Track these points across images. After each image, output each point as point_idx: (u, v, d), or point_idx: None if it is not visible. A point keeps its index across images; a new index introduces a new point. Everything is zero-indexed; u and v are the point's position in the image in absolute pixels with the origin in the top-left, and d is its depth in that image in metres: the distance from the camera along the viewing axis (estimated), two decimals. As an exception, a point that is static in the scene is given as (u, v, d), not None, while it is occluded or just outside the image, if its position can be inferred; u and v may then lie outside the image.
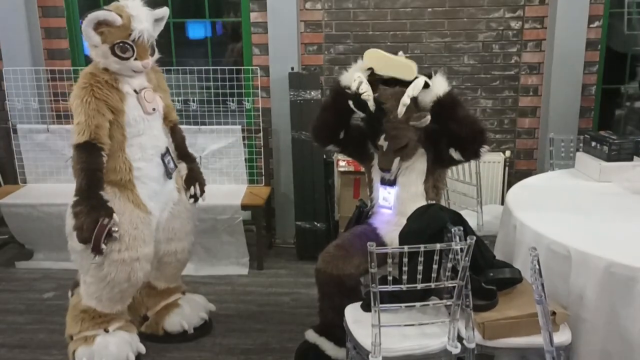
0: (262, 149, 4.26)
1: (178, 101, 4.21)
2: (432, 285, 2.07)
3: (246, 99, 4.24)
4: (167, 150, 2.97)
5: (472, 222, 3.35)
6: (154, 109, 2.84)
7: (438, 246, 2.00)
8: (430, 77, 2.56)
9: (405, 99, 2.50)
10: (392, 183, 2.77)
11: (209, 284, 3.78)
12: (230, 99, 4.19)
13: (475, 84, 4.30)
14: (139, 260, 2.77)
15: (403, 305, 2.11)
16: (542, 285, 1.85)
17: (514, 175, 4.34)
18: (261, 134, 4.25)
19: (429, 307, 2.26)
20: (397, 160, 2.65)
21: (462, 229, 2.12)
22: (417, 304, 2.12)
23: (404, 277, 2.05)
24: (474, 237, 1.99)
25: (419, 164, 2.73)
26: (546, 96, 4.19)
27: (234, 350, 3.03)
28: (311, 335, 2.84)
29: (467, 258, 2.01)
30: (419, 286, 2.05)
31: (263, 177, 4.31)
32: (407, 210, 2.61)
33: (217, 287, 3.76)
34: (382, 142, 2.61)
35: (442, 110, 2.53)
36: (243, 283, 3.82)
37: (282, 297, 3.62)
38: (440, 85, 2.54)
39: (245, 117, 4.32)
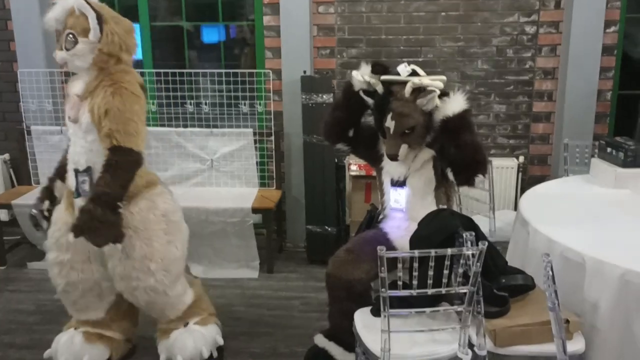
0: (273, 152, 4.25)
1: (190, 104, 4.23)
2: (443, 290, 2.04)
3: (258, 102, 4.23)
4: (88, 169, 2.57)
5: (485, 227, 3.30)
6: (69, 117, 2.60)
7: (449, 251, 1.97)
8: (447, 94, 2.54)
9: (415, 80, 2.48)
10: (402, 184, 2.75)
11: (218, 287, 3.77)
12: (243, 102, 4.19)
13: (489, 89, 4.26)
14: (57, 265, 2.70)
15: (413, 310, 2.08)
16: (556, 292, 1.82)
17: (527, 181, 4.29)
18: (272, 137, 4.24)
19: (439, 313, 2.23)
20: (404, 147, 2.59)
21: (473, 234, 2.09)
22: (428, 310, 2.09)
23: (415, 282, 2.02)
24: (486, 243, 1.96)
25: (427, 169, 2.70)
26: (560, 101, 4.14)
27: (242, 354, 3.01)
28: (320, 340, 2.82)
29: (478, 264, 1.98)
30: (430, 291, 2.02)
31: (274, 181, 4.30)
32: (418, 215, 2.58)
33: (226, 290, 3.75)
34: (389, 122, 2.56)
35: (448, 129, 2.50)
36: (253, 286, 3.81)
37: (292, 301, 3.60)
38: (455, 104, 2.49)
39: (257, 120, 4.31)
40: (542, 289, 2.39)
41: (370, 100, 2.66)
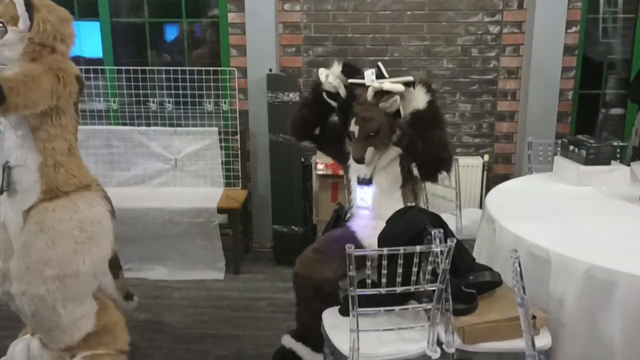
0: (239, 152, 4.19)
1: (153, 102, 4.13)
2: (412, 288, 2.02)
3: (223, 100, 4.17)
4: (17, 165, 2.43)
5: (452, 225, 3.29)
6: None
7: (418, 248, 1.95)
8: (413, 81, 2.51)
9: (376, 84, 2.46)
10: (368, 182, 2.73)
11: (183, 289, 3.70)
12: (207, 100, 4.12)
13: (454, 88, 4.29)
14: None
15: (382, 309, 2.06)
16: (524, 288, 1.82)
17: (492, 179, 4.33)
18: (238, 136, 4.18)
19: (407, 312, 2.22)
20: (370, 149, 2.57)
21: (442, 231, 2.08)
22: (396, 308, 2.07)
23: (383, 280, 2.00)
24: (455, 240, 1.96)
25: (393, 167, 2.68)
26: (524, 101, 4.20)
27: (208, 357, 2.95)
28: (288, 341, 2.78)
29: (447, 261, 1.97)
30: (399, 289, 2.01)
31: (240, 180, 4.24)
32: (384, 213, 2.56)
33: (191, 292, 3.67)
34: (353, 127, 2.55)
35: (417, 124, 2.48)
36: (218, 288, 3.74)
37: (259, 302, 3.55)
38: (421, 96, 2.47)
39: (222, 119, 4.24)
40: (509, 285, 2.41)
41: (333, 103, 2.64)
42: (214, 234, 3.86)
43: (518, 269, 1.82)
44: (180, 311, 3.41)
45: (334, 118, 2.77)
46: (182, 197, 3.98)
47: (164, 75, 4.14)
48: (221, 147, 4.15)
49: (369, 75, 2.52)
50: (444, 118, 2.56)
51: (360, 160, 2.60)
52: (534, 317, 2.16)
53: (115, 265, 2.73)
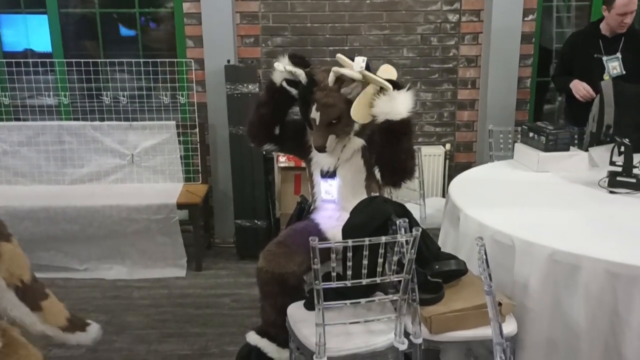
0: (198, 145, 4.09)
1: (107, 96, 3.99)
2: (378, 280, 1.98)
3: (180, 93, 4.05)
4: None
5: (415, 214, 3.29)
6: None
7: (383, 239, 1.91)
8: (398, 86, 2.40)
9: (336, 69, 2.41)
10: (332, 175, 2.68)
11: (143, 288, 3.59)
12: (164, 93, 3.99)
13: (415, 77, 4.28)
14: None
15: (348, 302, 2.02)
16: (490, 275, 1.80)
17: (454, 167, 4.35)
18: (197, 130, 4.07)
19: (374, 304, 2.18)
20: (331, 137, 2.53)
21: (407, 220, 2.05)
22: (362, 300, 2.03)
23: (349, 272, 1.96)
24: (420, 229, 1.92)
25: (356, 158, 2.64)
26: (484, 89, 4.22)
27: (171, 357, 2.86)
28: (252, 338, 2.71)
29: (412, 250, 1.94)
30: (364, 281, 1.97)
31: (200, 175, 4.13)
32: (350, 205, 2.51)
33: (152, 290, 3.56)
34: (314, 113, 2.50)
35: (389, 131, 2.40)
36: (180, 285, 3.64)
37: (222, 298, 3.46)
38: (402, 106, 2.36)
39: (179, 112, 4.12)
40: (474, 273, 2.41)
41: (294, 91, 2.58)
42: (174, 231, 3.75)
43: (484, 256, 1.80)
44: (140, 311, 3.30)
45: (292, 115, 2.72)
46: (140, 194, 3.85)
47: (117, 68, 3.99)
48: (179, 141, 4.04)
49: (359, 61, 2.45)
50: (414, 127, 2.51)
51: (321, 149, 2.55)
52: (499, 304, 2.15)
53: (31, 296, 2.22)
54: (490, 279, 1.74)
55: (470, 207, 2.61)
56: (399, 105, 2.34)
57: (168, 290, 3.57)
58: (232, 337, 2.99)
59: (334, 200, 2.72)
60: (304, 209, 2.86)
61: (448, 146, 4.34)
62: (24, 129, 3.97)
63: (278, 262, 2.52)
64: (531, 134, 3.31)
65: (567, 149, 3.22)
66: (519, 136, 3.51)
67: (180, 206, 3.75)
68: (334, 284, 1.95)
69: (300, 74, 2.52)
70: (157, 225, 3.72)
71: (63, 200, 3.70)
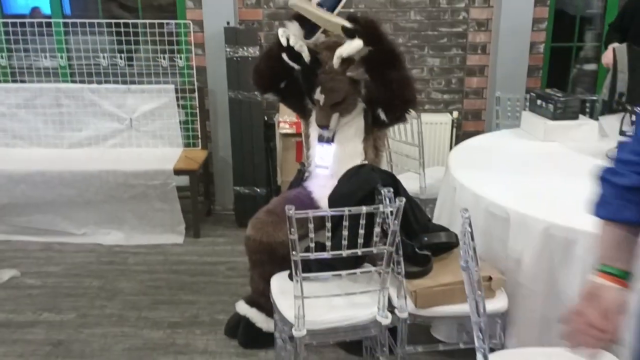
0: (197, 110, 4.00)
1: (104, 58, 3.90)
2: (359, 252, 1.90)
3: (179, 56, 3.95)
4: None
5: (415, 185, 3.21)
6: None
7: (364, 209, 1.82)
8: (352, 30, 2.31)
9: (340, 51, 2.31)
10: (329, 140, 2.59)
11: (139, 254, 3.55)
12: (162, 56, 3.89)
13: (422, 42, 4.11)
14: None
15: (329, 274, 1.94)
16: (474, 250, 1.70)
17: (461, 136, 4.20)
18: (196, 94, 3.98)
19: (361, 276, 2.10)
20: (335, 116, 2.48)
21: (392, 190, 1.95)
22: (343, 273, 1.96)
23: (328, 243, 1.87)
24: (403, 199, 1.83)
25: (357, 121, 2.55)
26: (494, 54, 4.04)
27: (160, 324, 2.83)
28: (242, 307, 2.67)
29: (396, 222, 1.85)
30: (344, 253, 1.88)
31: (199, 140, 4.06)
32: (343, 171, 2.43)
33: (147, 256, 3.53)
34: (318, 95, 2.44)
35: (370, 68, 2.34)
36: (177, 252, 3.60)
37: (218, 266, 3.42)
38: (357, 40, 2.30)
39: (178, 75, 4.02)
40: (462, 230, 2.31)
41: (296, 66, 2.48)
42: (171, 197, 3.70)
43: (468, 229, 1.69)
44: (134, 277, 3.27)
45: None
46: (138, 159, 3.79)
47: (114, 29, 3.89)
48: (179, 105, 3.95)
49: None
50: (401, 54, 2.37)
51: (324, 127, 2.50)
52: (490, 278, 2.07)
53: None
54: (474, 254, 1.64)
55: (466, 178, 2.50)
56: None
57: (164, 256, 3.53)
58: (223, 306, 2.95)
59: (327, 166, 2.63)
60: (305, 176, 2.78)
61: (455, 114, 4.18)
62: (22, 91, 3.91)
63: (266, 231, 2.46)
64: (539, 102, 3.16)
65: (576, 118, 3.07)
66: (527, 104, 3.36)
67: (178, 172, 3.68)
68: (312, 255, 1.88)
69: (304, 51, 2.41)
70: (155, 192, 3.67)
71: (59, 165, 3.66)
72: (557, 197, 2.28)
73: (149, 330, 2.78)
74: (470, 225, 1.72)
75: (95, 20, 3.90)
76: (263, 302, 2.55)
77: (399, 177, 2.95)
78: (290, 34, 2.41)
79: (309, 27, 2.49)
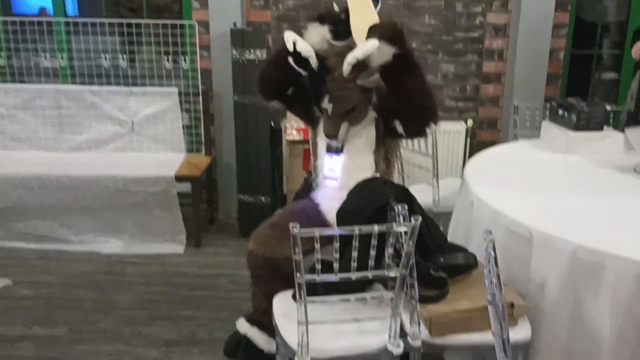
0: (201, 114, 3.85)
1: (106, 59, 3.77)
2: (369, 275, 1.74)
3: (183, 57, 3.80)
4: None
5: (428, 197, 3.04)
6: None
7: (376, 228, 1.66)
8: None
9: (351, 58, 2.15)
10: (338, 151, 2.43)
11: (137, 264, 3.41)
12: (165, 57, 3.75)
13: (436, 47, 3.95)
14: None
15: (336, 298, 1.78)
16: (498, 277, 1.53)
17: (476, 146, 4.04)
18: (200, 98, 3.83)
19: (371, 299, 1.94)
20: (344, 125, 2.31)
21: (406, 207, 1.78)
22: (352, 297, 1.79)
23: (335, 265, 1.71)
24: (419, 217, 1.66)
25: (368, 130, 2.38)
26: (512, 61, 3.87)
27: (156, 342, 2.67)
28: (242, 326, 2.51)
29: (411, 242, 1.68)
30: (354, 276, 1.72)
31: (203, 146, 3.91)
32: (353, 183, 2.27)
33: (146, 267, 3.38)
34: (327, 104, 2.29)
35: (388, 78, 2.19)
36: (177, 263, 3.45)
37: (219, 279, 3.26)
38: (384, 48, 2.15)
39: (182, 78, 3.88)
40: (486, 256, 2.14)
41: (303, 72, 2.33)
42: (172, 204, 3.55)
43: (492, 254, 1.53)
44: (131, 289, 3.12)
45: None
46: (139, 164, 3.65)
47: (116, 29, 3.75)
48: (182, 109, 3.81)
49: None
50: (420, 64, 2.24)
51: (333, 137, 2.33)
52: (512, 305, 1.90)
53: None
54: (499, 283, 1.47)
55: (484, 192, 2.33)
56: (382, 47, 2.12)
57: (163, 267, 3.38)
58: (223, 323, 2.79)
59: (336, 178, 2.47)
60: (312, 186, 2.63)
61: (470, 122, 4.02)
62: (21, 91, 3.78)
63: (270, 246, 2.31)
64: (560, 111, 2.98)
65: (601, 129, 2.89)
66: (548, 113, 3.18)
67: (179, 179, 3.54)
68: (318, 278, 1.71)
69: (311, 56, 2.26)
70: (155, 199, 3.53)
71: (57, 169, 3.52)
72: (585, 216, 2.11)
73: (143, 349, 2.62)
74: (494, 249, 1.55)
75: (97, 20, 3.77)
76: (265, 321, 2.39)
77: (411, 189, 2.80)
78: (297, 38, 2.26)
79: (342, 28, 2.34)
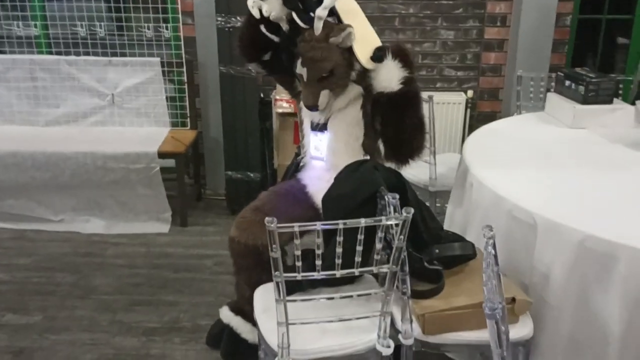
0: (185, 86, 3.64)
1: (82, 27, 3.53)
2: (356, 272, 1.57)
3: (164, 25, 3.56)
4: None
5: (424, 175, 2.86)
6: None
7: (363, 222, 1.48)
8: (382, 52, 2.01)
9: (321, 12, 1.94)
10: (323, 128, 2.24)
11: (119, 245, 3.25)
12: (146, 25, 3.52)
13: (434, 12, 3.71)
14: None
15: (320, 297, 1.62)
16: (499, 277, 1.36)
17: (476, 117, 3.84)
18: (184, 68, 3.61)
19: (358, 292, 1.78)
20: (324, 93, 2.09)
21: (397, 197, 1.60)
22: (336, 296, 1.63)
23: (318, 262, 1.54)
24: (411, 210, 1.48)
25: (354, 108, 2.18)
26: (515, 26, 3.63)
27: (136, 330, 2.52)
28: (226, 314, 2.36)
29: (402, 237, 1.51)
30: (338, 273, 1.55)
31: (188, 119, 3.71)
32: (342, 163, 2.08)
33: (128, 248, 3.22)
34: (300, 69, 2.07)
35: (386, 106, 2.03)
36: (161, 243, 3.29)
37: (204, 260, 3.11)
38: (395, 70, 1.99)
39: (164, 47, 3.64)
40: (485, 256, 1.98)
41: (275, 38, 2.12)
42: (156, 182, 3.37)
43: (492, 252, 1.36)
44: (111, 272, 2.97)
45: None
46: (120, 139, 3.46)
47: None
48: (165, 80, 3.59)
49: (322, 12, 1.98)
50: (421, 97, 2.08)
51: (312, 108, 2.13)
52: (513, 300, 1.74)
53: None
54: (499, 287, 1.30)
55: (485, 172, 2.15)
56: (390, 72, 1.97)
57: (146, 248, 3.22)
58: (207, 309, 2.65)
59: (323, 158, 2.29)
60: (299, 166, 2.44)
61: (470, 93, 3.81)
62: (-7, 62, 3.57)
63: (252, 232, 2.14)
64: (567, 82, 2.78)
65: (610, 101, 2.69)
66: (553, 84, 2.98)
67: (162, 155, 3.35)
68: (299, 276, 1.55)
69: (281, 19, 2.04)
70: (137, 176, 3.34)
71: (32, 145, 3.33)
72: (594, 200, 1.93)
73: (121, 338, 2.47)
74: (494, 247, 1.38)
75: (72, -16, 3.52)
76: (249, 310, 2.22)
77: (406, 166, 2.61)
78: (262, 3, 2.04)
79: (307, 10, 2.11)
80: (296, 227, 1.45)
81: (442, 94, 3.72)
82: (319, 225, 1.47)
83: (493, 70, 3.83)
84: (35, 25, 3.60)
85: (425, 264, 1.77)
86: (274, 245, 1.46)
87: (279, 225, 1.43)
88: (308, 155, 2.35)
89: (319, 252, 1.51)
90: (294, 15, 2.04)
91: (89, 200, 3.43)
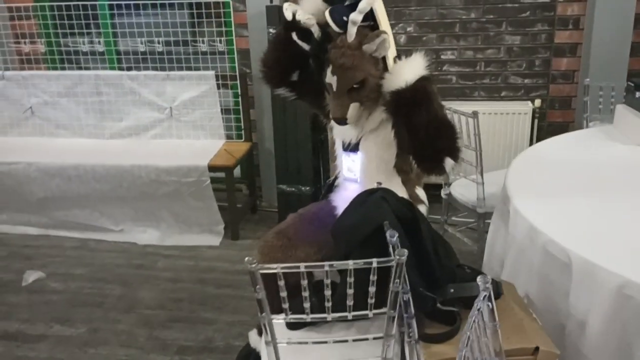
0: (239, 99, 3.65)
1: (142, 42, 3.64)
2: (349, 316, 1.46)
3: (218, 39, 3.59)
4: None
5: (472, 195, 2.67)
6: None
7: (351, 264, 1.37)
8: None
9: (355, 16, 1.82)
10: (355, 148, 2.14)
11: (170, 257, 3.31)
12: (201, 39, 3.56)
13: (498, 16, 3.47)
14: None
15: (309, 341, 1.53)
16: (495, 331, 1.21)
17: (545, 129, 3.56)
18: (238, 81, 3.62)
19: (361, 328, 1.67)
20: (354, 106, 1.96)
21: (396, 234, 1.47)
22: (330, 340, 1.53)
23: (306, 304, 1.45)
24: (405, 252, 1.35)
25: (385, 131, 2.05)
26: (589, 29, 3.32)
27: (169, 348, 2.54)
28: (253, 339, 2.31)
29: (397, 281, 1.38)
30: (329, 317, 1.45)
31: (243, 132, 3.72)
32: (373, 186, 1.97)
33: (178, 260, 3.27)
34: (330, 77, 1.95)
35: (397, 107, 1.87)
36: (210, 257, 3.32)
37: (247, 276, 3.07)
38: (409, 70, 1.85)
39: (218, 61, 3.67)
40: (517, 292, 1.80)
41: (306, 46, 2.03)
42: (206, 195, 3.40)
43: (488, 305, 1.20)
44: (157, 286, 3.02)
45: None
46: (175, 152, 3.53)
47: (150, 11, 3.60)
48: (220, 93, 3.63)
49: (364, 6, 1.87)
50: (435, 95, 1.89)
51: (341, 121, 2.00)
52: (536, 349, 1.55)
53: None
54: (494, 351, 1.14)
55: (523, 199, 1.96)
56: (404, 68, 1.83)
57: (194, 261, 3.26)
58: (242, 328, 2.62)
59: (356, 180, 2.18)
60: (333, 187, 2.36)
61: (538, 102, 3.53)
62: (62, 78, 3.76)
63: (275, 257, 2.06)
64: (638, 93, 2.48)
65: (688, 117, 2.38)
66: (624, 94, 2.68)
67: (212, 169, 3.37)
68: (288, 318, 1.46)
69: (312, 24, 1.96)
70: (189, 189, 3.39)
71: (94, 158, 3.48)
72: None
73: (155, 355, 2.50)
74: (490, 299, 1.22)
75: (132, 2, 3.62)
76: (274, 335, 2.18)
77: (454, 184, 2.46)
78: (297, 7, 1.96)
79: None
80: (278, 268, 1.37)
81: (505, 104, 3.49)
82: (303, 267, 1.38)
83: (565, 77, 3.52)
84: (99, 42, 3.75)
85: (439, 305, 1.62)
86: (257, 287, 1.38)
87: (282, 265, 1.37)
88: (341, 177, 2.26)
89: (328, 294, 1.42)
90: (328, 18, 1.95)
91: (146, 211, 3.53)
